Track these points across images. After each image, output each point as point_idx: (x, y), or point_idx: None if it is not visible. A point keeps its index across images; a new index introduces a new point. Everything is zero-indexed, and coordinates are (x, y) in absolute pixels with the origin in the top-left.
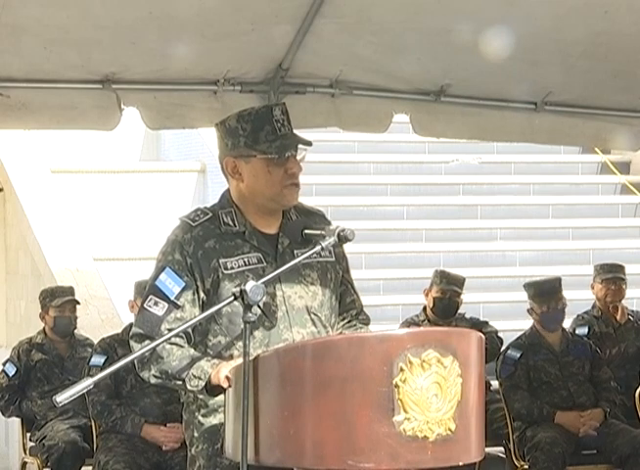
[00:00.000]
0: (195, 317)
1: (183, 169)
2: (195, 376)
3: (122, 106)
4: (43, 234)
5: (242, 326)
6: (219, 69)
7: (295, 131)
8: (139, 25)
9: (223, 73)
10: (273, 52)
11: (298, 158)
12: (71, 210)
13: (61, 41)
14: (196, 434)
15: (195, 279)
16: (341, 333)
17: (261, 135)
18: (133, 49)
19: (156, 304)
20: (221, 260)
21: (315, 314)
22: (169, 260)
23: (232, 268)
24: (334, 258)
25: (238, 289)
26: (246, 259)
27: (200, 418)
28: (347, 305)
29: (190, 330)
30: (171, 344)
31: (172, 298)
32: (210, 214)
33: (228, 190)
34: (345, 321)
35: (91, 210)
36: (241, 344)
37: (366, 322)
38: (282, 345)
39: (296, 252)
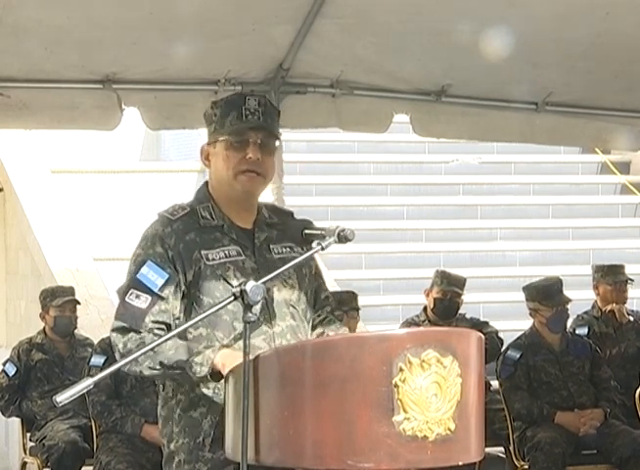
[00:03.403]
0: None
1: (183, 169)
2: (197, 363)
3: (123, 106)
4: (43, 234)
5: (224, 317)
6: (220, 69)
7: (270, 125)
8: (140, 26)
9: (224, 73)
10: (274, 52)
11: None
12: (71, 210)
13: (61, 41)
14: (176, 429)
15: (177, 271)
16: (323, 332)
17: (227, 120)
18: (134, 49)
19: (137, 297)
20: (203, 252)
21: (294, 307)
22: (150, 254)
23: (214, 260)
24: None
25: (238, 289)
26: (226, 252)
27: (179, 412)
28: (323, 302)
29: (171, 322)
30: (158, 336)
31: (156, 290)
32: (189, 209)
33: (205, 184)
34: (322, 317)
35: (91, 210)
36: (221, 335)
37: (340, 318)
38: (261, 337)
39: (271, 246)
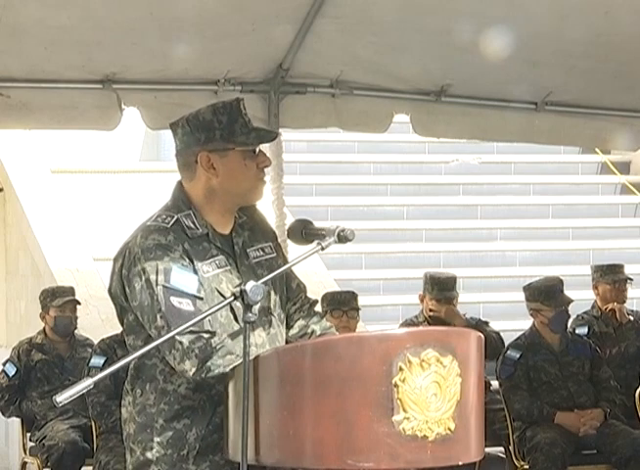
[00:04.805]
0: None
1: None
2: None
3: (123, 106)
4: (43, 234)
5: (215, 329)
6: (220, 69)
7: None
8: (140, 26)
9: (224, 73)
10: (273, 52)
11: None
12: (71, 210)
13: (61, 41)
14: (157, 438)
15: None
16: (307, 325)
17: (236, 128)
18: (134, 49)
19: (180, 303)
20: (199, 264)
21: (272, 314)
22: (168, 261)
23: (208, 272)
24: (275, 254)
25: (238, 289)
26: (217, 262)
27: (161, 422)
28: (295, 290)
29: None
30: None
31: (194, 292)
32: (176, 217)
33: (179, 190)
34: (297, 306)
35: (91, 210)
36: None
37: (315, 304)
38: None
39: (248, 250)
